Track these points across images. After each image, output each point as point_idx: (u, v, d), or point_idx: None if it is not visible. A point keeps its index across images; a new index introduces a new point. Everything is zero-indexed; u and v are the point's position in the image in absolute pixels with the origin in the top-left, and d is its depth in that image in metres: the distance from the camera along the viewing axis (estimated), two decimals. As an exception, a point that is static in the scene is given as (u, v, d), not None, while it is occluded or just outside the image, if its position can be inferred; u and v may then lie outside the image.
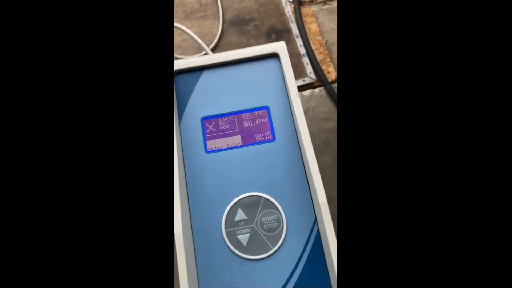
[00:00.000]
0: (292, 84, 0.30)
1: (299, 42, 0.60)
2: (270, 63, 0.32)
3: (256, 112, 0.31)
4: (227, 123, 0.31)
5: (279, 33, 0.62)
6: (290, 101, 0.30)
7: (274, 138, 0.30)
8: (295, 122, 0.30)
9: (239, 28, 0.62)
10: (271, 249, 0.27)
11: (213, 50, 0.58)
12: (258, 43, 0.61)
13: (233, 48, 0.60)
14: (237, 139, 0.30)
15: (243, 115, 0.31)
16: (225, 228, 0.28)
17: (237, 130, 0.30)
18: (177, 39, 0.59)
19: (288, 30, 0.62)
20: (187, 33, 0.50)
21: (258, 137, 0.30)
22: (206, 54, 0.56)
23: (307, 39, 0.60)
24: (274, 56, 0.32)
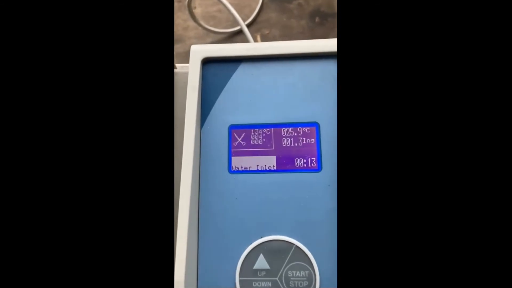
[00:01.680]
0: (355, 99, 0.21)
1: (346, 30, 0.50)
2: (330, 66, 0.23)
3: (301, 128, 0.22)
4: (261, 137, 0.23)
5: (324, 16, 0.52)
6: (348, 122, 0.22)
7: (320, 168, 0.22)
8: (350, 150, 0.21)
9: (281, 5, 0.52)
10: (295, 314, 0.20)
11: (249, 26, 0.49)
12: (299, 25, 0.51)
13: (270, 27, 0.51)
14: (271, 161, 0.22)
15: (283, 130, 0.23)
16: (240, 276, 0.21)
17: (273, 148, 0.22)
18: (212, 8, 0.49)
19: (334, 15, 0.52)
20: (223, 3, 0.40)
21: (299, 162, 0.22)
22: (240, 30, 0.47)
23: (357, 29, 0.50)
24: (336, 56, 0.23)
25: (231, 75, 0.23)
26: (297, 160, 0.22)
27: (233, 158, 0.22)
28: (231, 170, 0.22)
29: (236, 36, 0.50)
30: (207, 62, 0.23)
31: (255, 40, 0.48)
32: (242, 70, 0.23)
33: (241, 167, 0.22)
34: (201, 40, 0.52)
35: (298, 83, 0.23)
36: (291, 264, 0.21)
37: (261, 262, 0.21)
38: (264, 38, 0.50)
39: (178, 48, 0.51)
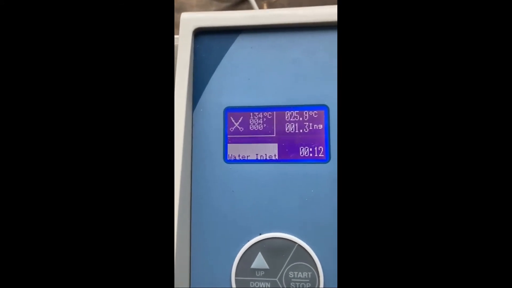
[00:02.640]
0: (372, 78, 0.18)
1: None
2: (342, 38, 0.19)
3: (307, 112, 0.19)
4: (261, 121, 0.19)
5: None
6: (362, 105, 0.19)
7: (328, 158, 0.19)
8: (364, 138, 0.18)
9: (291, -32, 0.47)
10: (296, 317, 0.18)
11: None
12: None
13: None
14: (272, 149, 0.19)
15: (287, 114, 0.19)
16: (236, 275, 0.19)
17: (275, 135, 0.19)
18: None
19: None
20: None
21: (304, 151, 0.19)
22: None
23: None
24: (351, 26, 0.19)
25: (227, 49, 0.20)
26: (302, 148, 0.19)
27: (229, 145, 0.19)
28: (227, 159, 0.19)
29: (242, 5, 0.46)
30: (199, 33, 0.20)
31: (261, 9, 0.43)
32: (240, 43, 0.20)
33: (239, 156, 0.19)
34: (204, 9, 0.48)
35: (304, 58, 0.19)
36: (293, 264, 0.18)
37: (260, 261, 0.19)
38: (271, 7, 0.45)
39: (179, 18, 0.47)
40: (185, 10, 0.48)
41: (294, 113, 0.19)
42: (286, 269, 0.18)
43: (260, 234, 0.19)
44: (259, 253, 0.19)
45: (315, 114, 0.19)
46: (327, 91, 0.19)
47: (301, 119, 0.19)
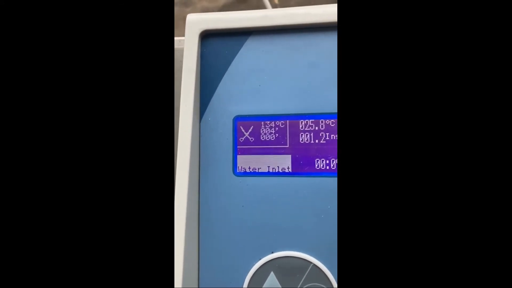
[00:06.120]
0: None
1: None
2: (363, 39, 0.17)
3: (323, 120, 0.17)
4: (273, 131, 0.18)
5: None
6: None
7: (346, 171, 0.17)
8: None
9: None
10: None
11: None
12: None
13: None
14: (285, 161, 0.18)
15: (301, 123, 0.18)
16: (247, 295, 0.17)
17: (288, 145, 0.18)
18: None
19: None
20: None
21: (320, 163, 0.17)
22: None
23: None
24: (372, 26, 0.17)
25: (236, 53, 0.18)
26: (317, 161, 0.17)
27: (239, 157, 0.18)
28: (236, 172, 0.18)
29: (252, -1, 0.44)
30: (206, 36, 0.18)
31: (272, 4, 0.41)
32: (250, 46, 0.18)
33: (249, 168, 0.18)
34: (212, 3, 0.46)
35: (321, 62, 0.17)
36: (308, 285, 0.17)
37: (272, 281, 0.17)
38: (283, 2, 0.43)
39: (187, 12, 0.45)
40: (193, 4, 0.46)
41: (309, 121, 0.17)
42: (301, 290, 0.17)
43: (273, 253, 0.17)
44: (272, 272, 0.17)
45: (332, 123, 0.17)
46: (345, 98, 0.17)
47: (316, 128, 0.17)
